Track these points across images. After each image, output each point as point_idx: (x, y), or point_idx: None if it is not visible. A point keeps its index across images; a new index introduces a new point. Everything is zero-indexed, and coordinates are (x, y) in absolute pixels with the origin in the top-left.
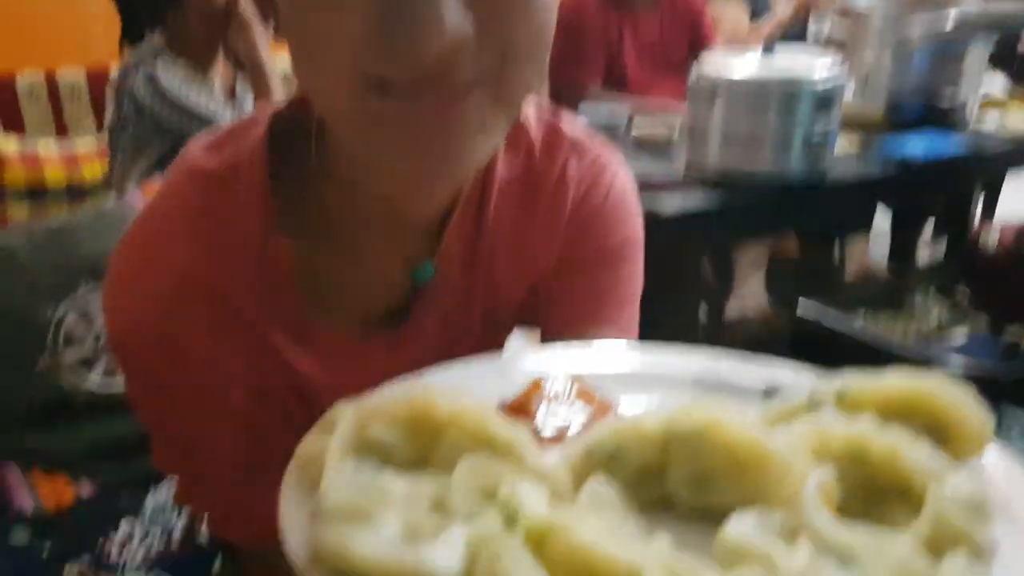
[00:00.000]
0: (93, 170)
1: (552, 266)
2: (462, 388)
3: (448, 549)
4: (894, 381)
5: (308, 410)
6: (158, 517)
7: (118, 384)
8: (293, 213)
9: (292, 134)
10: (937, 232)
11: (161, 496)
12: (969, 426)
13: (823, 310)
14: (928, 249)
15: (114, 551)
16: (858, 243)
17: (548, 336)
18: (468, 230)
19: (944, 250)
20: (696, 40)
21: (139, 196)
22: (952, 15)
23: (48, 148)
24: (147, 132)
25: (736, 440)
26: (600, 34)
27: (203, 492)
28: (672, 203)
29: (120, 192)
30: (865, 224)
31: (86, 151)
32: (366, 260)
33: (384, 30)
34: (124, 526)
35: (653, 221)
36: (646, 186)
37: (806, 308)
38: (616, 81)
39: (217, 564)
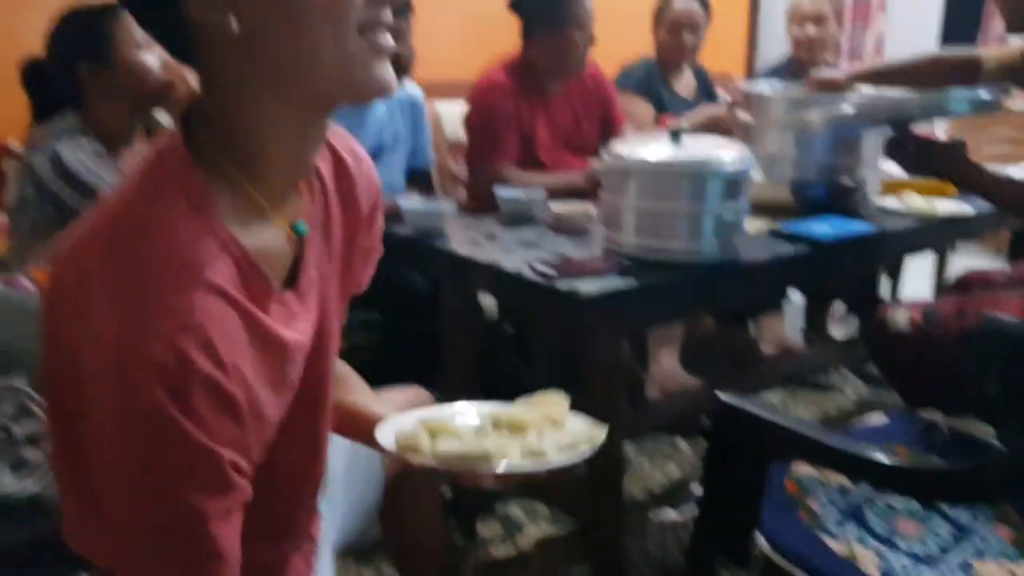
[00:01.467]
0: None
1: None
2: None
3: None
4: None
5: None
6: None
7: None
8: (224, 203)
9: (203, 142)
10: (849, 310)
11: None
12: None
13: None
14: (842, 326)
15: None
16: (773, 319)
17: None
18: (318, 196)
19: (857, 327)
20: (607, 125)
21: (28, 282)
22: (851, 101)
23: None
24: (49, 213)
25: None
26: (514, 119)
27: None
28: (590, 285)
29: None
30: (778, 302)
31: None
32: (274, 226)
33: None
34: None
35: (573, 302)
36: (566, 267)
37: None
38: (530, 163)
39: None
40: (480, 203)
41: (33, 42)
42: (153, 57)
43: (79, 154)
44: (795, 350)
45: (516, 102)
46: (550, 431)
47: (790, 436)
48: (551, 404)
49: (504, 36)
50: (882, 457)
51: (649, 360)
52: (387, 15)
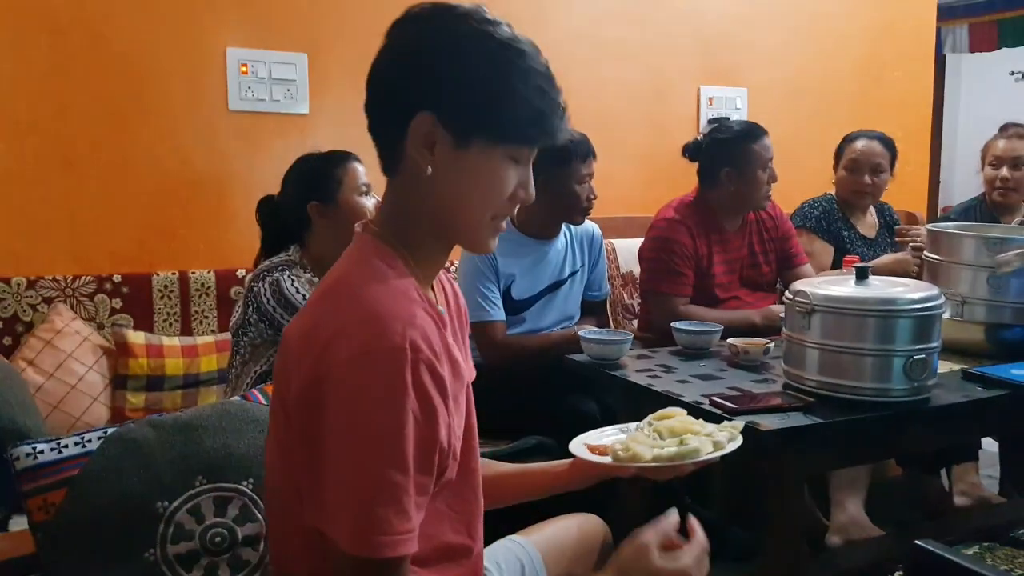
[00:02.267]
0: (209, 363)
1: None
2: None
3: None
4: None
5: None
6: None
7: None
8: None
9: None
10: None
11: None
12: None
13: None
14: None
15: None
16: (967, 468)
17: None
18: (441, 289)
19: None
20: (784, 260)
21: (261, 396)
22: None
23: (172, 341)
24: (266, 335)
25: None
26: (691, 254)
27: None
28: (772, 420)
29: (234, 390)
30: (972, 450)
31: (205, 345)
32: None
33: (518, 194)
34: None
35: (753, 438)
36: (746, 400)
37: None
38: (705, 297)
39: None
40: (654, 334)
41: (264, 184)
42: (371, 202)
43: (296, 283)
44: (992, 502)
45: (693, 237)
46: (700, 429)
47: None
48: (679, 414)
49: (674, 177)
50: None
51: (832, 507)
52: (512, 211)
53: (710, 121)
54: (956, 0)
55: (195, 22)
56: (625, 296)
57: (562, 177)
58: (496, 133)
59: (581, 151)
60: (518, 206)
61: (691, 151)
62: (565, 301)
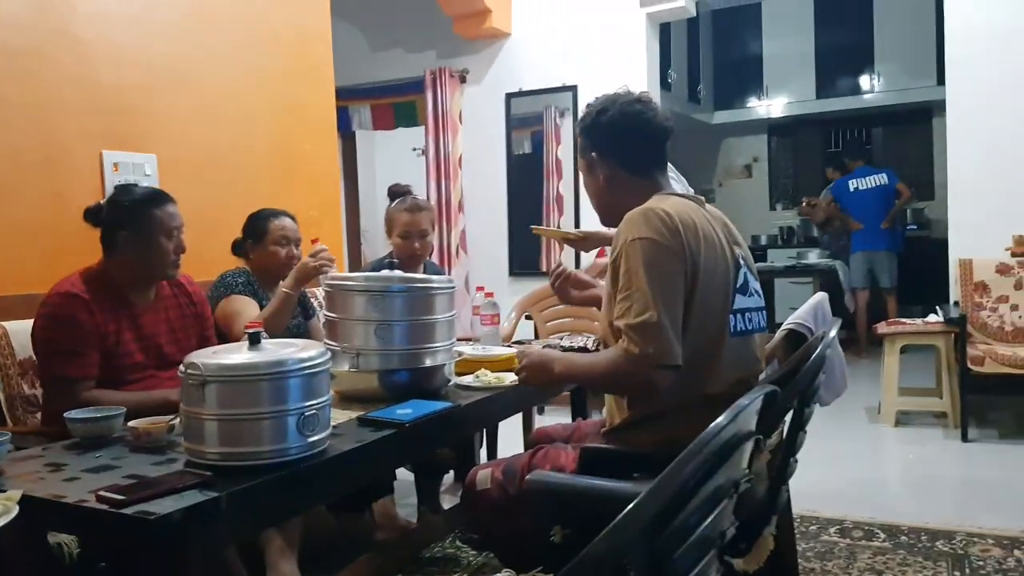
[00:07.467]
0: None
1: None
2: None
3: None
4: None
5: None
6: None
7: None
8: None
9: None
10: (457, 478)
11: None
12: None
13: None
14: (453, 494)
15: None
16: (384, 501)
17: None
18: None
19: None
20: (204, 340)
21: None
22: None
23: None
24: None
25: None
26: (94, 332)
27: None
28: (164, 505)
29: None
30: (387, 486)
31: None
32: None
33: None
34: None
35: (144, 527)
36: (138, 488)
37: None
38: (116, 377)
39: None
40: (58, 426)
41: None
42: None
43: None
44: (407, 528)
45: (94, 313)
46: None
47: None
48: None
49: (81, 248)
50: None
51: (267, 570)
52: None
53: (116, 187)
54: (358, 83)
55: None
56: (25, 387)
57: None
58: None
59: None
60: None
61: (92, 216)
62: None
